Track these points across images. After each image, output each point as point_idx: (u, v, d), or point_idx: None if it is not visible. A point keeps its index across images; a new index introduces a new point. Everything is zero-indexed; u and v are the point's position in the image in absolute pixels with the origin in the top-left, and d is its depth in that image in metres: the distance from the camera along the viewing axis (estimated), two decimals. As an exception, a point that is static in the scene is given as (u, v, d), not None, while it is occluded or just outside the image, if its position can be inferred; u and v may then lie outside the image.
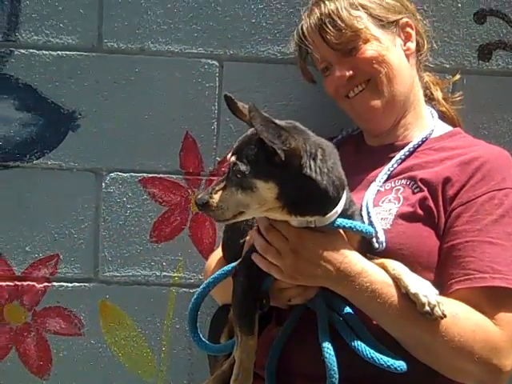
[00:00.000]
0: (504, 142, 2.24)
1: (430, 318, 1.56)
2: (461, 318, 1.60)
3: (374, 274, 1.62)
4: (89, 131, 2.26)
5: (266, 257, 1.61)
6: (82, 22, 2.23)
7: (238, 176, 1.51)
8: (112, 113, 2.26)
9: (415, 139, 1.88)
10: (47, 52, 2.24)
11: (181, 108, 2.25)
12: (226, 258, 1.92)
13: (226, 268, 1.75)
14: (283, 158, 1.49)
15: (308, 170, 1.52)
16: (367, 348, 1.59)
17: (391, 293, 1.60)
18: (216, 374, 1.92)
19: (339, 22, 1.83)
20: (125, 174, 2.28)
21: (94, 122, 2.26)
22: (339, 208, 1.61)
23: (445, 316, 1.56)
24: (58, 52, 2.24)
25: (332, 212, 1.59)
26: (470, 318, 1.61)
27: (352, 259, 1.62)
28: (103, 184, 2.28)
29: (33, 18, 2.22)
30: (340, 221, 1.62)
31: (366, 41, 1.85)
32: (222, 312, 1.94)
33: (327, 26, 1.83)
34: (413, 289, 1.57)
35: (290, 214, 1.57)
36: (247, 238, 1.72)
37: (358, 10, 1.85)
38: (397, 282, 1.60)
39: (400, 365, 1.58)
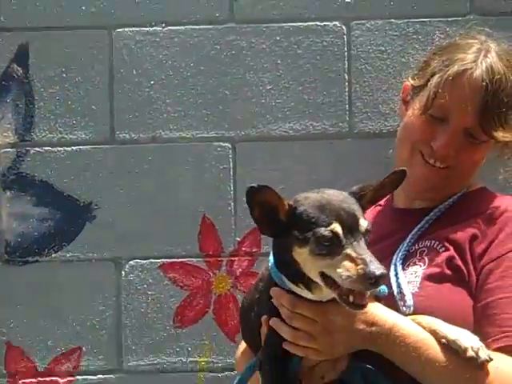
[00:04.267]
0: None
1: (476, 364, 1.49)
2: (505, 370, 1.55)
3: (407, 327, 1.56)
4: (106, 221, 2.29)
5: (299, 343, 1.54)
6: (94, 117, 2.31)
7: (367, 238, 1.47)
8: (127, 202, 2.29)
9: (444, 204, 1.82)
10: (61, 148, 2.30)
11: (196, 192, 2.29)
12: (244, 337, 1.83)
13: (249, 364, 1.68)
14: None
15: None
16: None
17: (427, 345, 1.54)
18: None
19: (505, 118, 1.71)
20: (144, 261, 2.28)
21: (110, 212, 2.29)
22: None
23: (491, 359, 1.49)
24: (72, 147, 2.30)
25: None
26: None
27: (382, 316, 1.57)
28: (123, 272, 2.28)
29: (47, 117, 2.31)
30: None
31: (487, 141, 1.76)
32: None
33: (495, 112, 1.70)
34: (452, 336, 1.51)
35: None
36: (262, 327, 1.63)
37: None
38: (433, 334, 1.55)
39: None
